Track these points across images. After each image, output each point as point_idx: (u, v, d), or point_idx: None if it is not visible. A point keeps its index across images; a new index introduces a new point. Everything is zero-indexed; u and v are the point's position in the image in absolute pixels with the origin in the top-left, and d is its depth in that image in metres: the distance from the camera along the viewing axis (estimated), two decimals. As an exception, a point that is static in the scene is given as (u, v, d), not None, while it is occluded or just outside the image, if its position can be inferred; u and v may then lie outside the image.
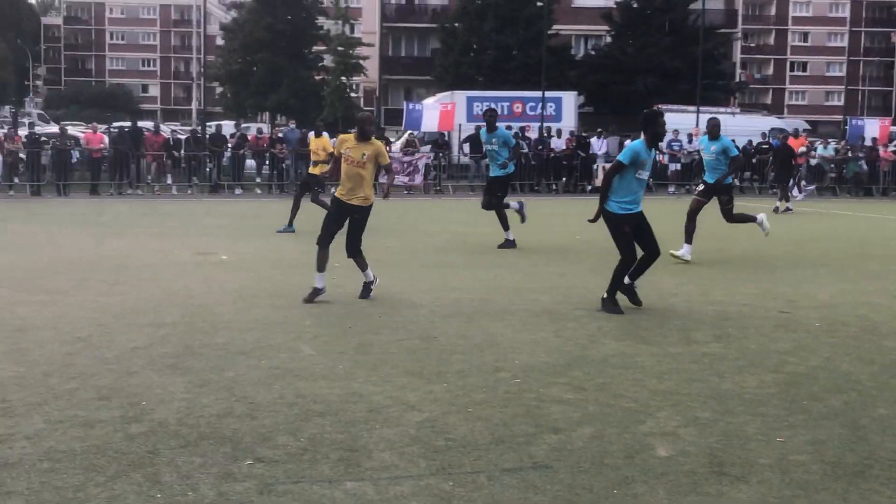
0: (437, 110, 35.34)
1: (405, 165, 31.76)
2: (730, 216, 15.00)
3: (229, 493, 5.02)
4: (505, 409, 6.57)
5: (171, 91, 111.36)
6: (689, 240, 14.48)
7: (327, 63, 56.07)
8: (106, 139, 30.61)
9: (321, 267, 10.53)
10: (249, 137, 32.44)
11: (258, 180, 31.88)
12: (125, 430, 6.02)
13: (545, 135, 36.15)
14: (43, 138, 31.12)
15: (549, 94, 42.14)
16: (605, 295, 10.17)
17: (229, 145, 31.52)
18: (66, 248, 15.37)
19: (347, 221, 10.77)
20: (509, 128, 36.23)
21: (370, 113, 11.89)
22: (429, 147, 34.40)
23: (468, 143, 34.26)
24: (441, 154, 33.94)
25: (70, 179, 29.74)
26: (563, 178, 33.74)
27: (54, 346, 8.31)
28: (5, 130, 31.52)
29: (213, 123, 39.32)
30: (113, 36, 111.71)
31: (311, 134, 19.84)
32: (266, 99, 53.79)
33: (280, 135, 33.26)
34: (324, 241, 10.57)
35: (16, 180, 29.54)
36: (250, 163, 32.22)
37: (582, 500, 4.99)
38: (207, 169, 30.97)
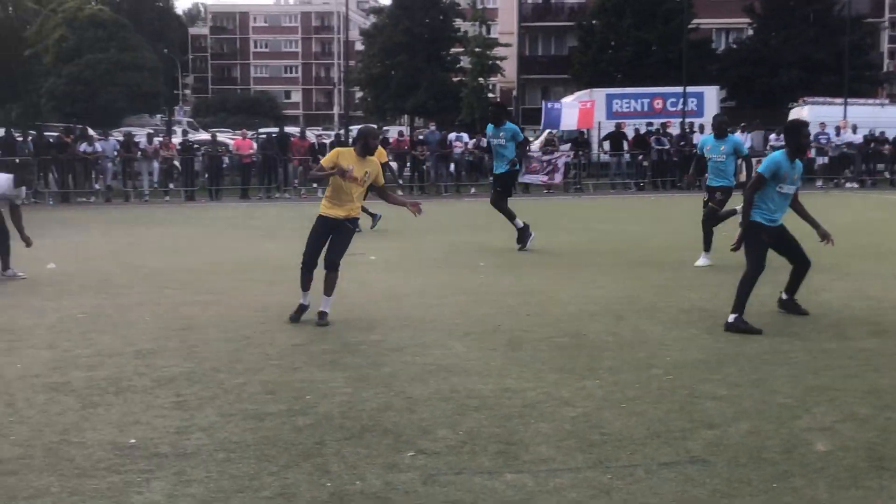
0: (577, 108, 35.30)
1: (544, 164, 31.80)
2: (712, 218, 13.74)
3: (395, 483, 5.23)
4: (659, 404, 6.63)
5: (313, 96, 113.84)
6: (707, 247, 13.61)
7: (465, 65, 56.50)
8: (254, 145, 31.59)
9: (306, 286, 9.79)
10: (391, 140, 32.97)
11: (400, 182, 32.39)
12: (292, 422, 6.31)
13: (687, 131, 35.69)
14: (195, 145, 32.30)
15: (690, 89, 41.58)
16: (731, 318, 9.02)
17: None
18: (223, 251, 15.97)
19: (332, 234, 9.75)
20: (650, 124, 36.24)
21: (374, 126, 10.87)
22: (568, 145, 34.37)
23: (608, 141, 34.15)
24: (581, 152, 33.87)
25: (221, 184, 30.81)
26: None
27: (220, 343, 8.71)
28: (160, 138, 32.81)
29: (355, 127, 40.08)
30: (257, 44, 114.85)
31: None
32: (405, 101, 54.54)
33: (421, 137, 33.72)
34: (309, 264, 9.78)
35: (171, 186, 30.77)
36: (392, 165, 32.76)
37: (741, 494, 5.03)
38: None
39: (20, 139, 30.05)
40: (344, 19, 47.12)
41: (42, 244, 16.98)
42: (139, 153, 30.04)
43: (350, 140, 33.35)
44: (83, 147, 29.10)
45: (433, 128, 34.23)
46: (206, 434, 6.08)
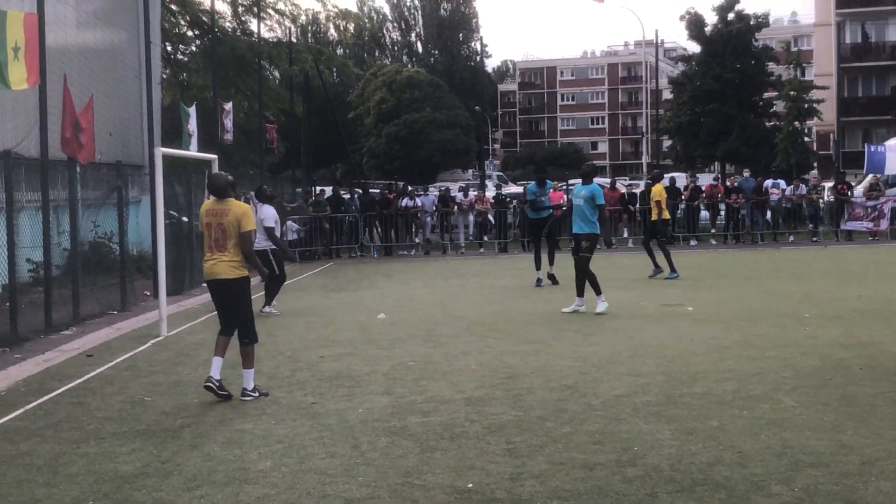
0: (903, 151, 33.30)
1: (869, 210, 30.24)
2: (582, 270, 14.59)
3: (731, 538, 5.17)
4: None
5: (619, 146, 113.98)
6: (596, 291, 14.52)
7: (779, 109, 54.80)
8: (565, 196, 32.02)
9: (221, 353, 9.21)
10: (703, 187, 32.45)
11: (713, 231, 31.80)
12: (622, 473, 6.37)
13: None
14: (507, 198, 33.15)
15: None
16: None
17: (683, 197, 31.74)
18: (538, 301, 16.29)
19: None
20: None
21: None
22: (894, 190, 32.48)
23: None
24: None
25: (533, 236, 31.37)
26: None
27: (544, 392, 8.92)
28: (474, 192, 33.92)
29: (668, 176, 39.69)
30: (563, 97, 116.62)
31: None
32: (716, 148, 53.54)
33: (735, 184, 32.98)
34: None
35: (485, 238, 31.73)
36: (704, 213, 32.24)
37: None
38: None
39: (346, 196, 32.02)
40: (653, 68, 46.89)
41: (371, 295, 18.05)
42: (455, 207, 31.21)
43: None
44: (405, 202, 30.62)
45: (747, 174, 33.38)
46: (538, 481, 6.25)
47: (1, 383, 10.34)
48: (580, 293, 14.65)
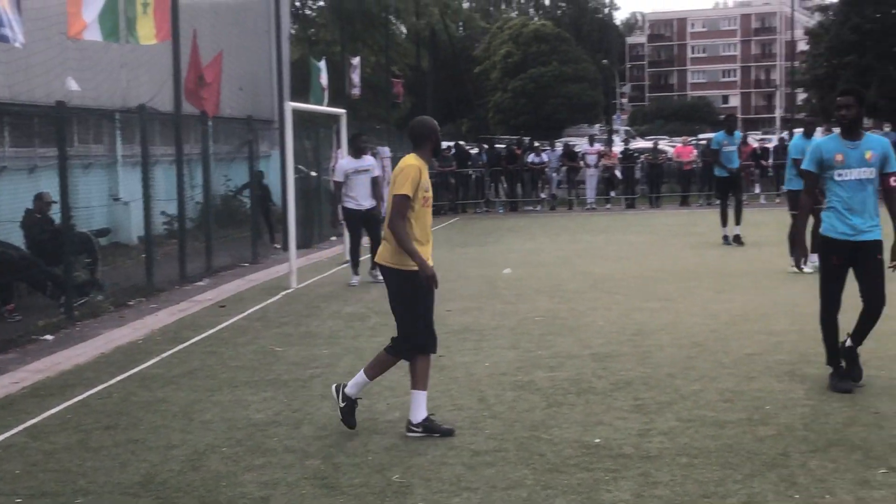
0: None
1: None
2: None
3: (868, 500, 5.04)
4: None
5: (752, 100, 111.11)
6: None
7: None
8: (695, 151, 31.39)
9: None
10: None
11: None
12: (753, 432, 6.24)
13: None
14: (636, 154, 32.66)
15: None
16: None
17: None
18: (666, 258, 16.05)
19: None
20: None
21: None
22: None
23: None
24: None
25: (661, 192, 30.91)
26: None
27: (673, 349, 8.79)
28: (598, 146, 33.46)
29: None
30: (694, 49, 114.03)
31: None
32: (855, 102, 51.81)
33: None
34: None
35: (612, 194, 31.35)
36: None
37: None
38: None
39: (474, 152, 32.00)
40: (788, 19, 45.43)
41: (496, 250, 18.05)
42: (581, 163, 30.84)
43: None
44: (531, 158, 30.44)
45: (888, 129, 32.18)
46: (667, 438, 6.17)
47: (138, 332, 10.71)
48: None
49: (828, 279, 7.30)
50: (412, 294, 6.36)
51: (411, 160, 6.41)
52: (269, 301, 12.67)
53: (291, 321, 11.07)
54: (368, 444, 6.25)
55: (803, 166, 7.44)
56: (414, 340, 6.39)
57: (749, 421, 6.48)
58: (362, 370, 6.63)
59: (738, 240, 17.33)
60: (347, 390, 6.56)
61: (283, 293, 13.29)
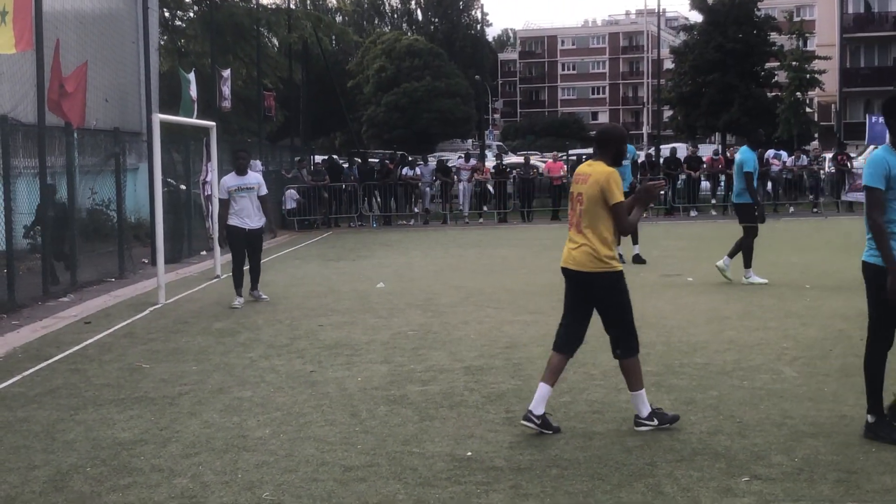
0: (905, 122, 33.16)
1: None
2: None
3: (731, 508, 5.16)
4: None
5: (620, 117, 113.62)
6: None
7: (781, 79, 54.58)
8: (565, 167, 31.90)
9: None
10: (705, 159, 32.32)
11: (713, 202, 31.71)
12: (621, 442, 6.36)
13: None
14: (508, 169, 33.03)
15: None
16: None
17: (682, 169, 31.62)
18: (538, 272, 16.23)
19: None
20: None
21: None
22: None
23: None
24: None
25: (532, 206, 31.33)
26: None
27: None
28: (473, 163, 33.75)
29: (668, 147, 39.54)
30: (564, 66, 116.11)
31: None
32: (717, 119, 53.36)
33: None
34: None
35: (485, 208, 31.63)
36: (705, 184, 32.16)
37: None
38: (662, 193, 31.25)
39: (346, 165, 31.91)
40: (654, 38, 46.64)
41: (370, 264, 18.00)
42: (455, 177, 31.06)
43: (660, 160, 33.05)
44: (404, 171, 30.51)
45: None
46: (537, 450, 6.23)
47: (-1, 350, 10.32)
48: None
49: (885, 314, 6.23)
50: (626, 293, 6.89)
51: (603, 167, 6.67)
52: (136, 317, 12.36)
53: (159, 337, 10.83)
54: (238, 462, 6.14)
55: (869, 183, 6.10)
56: (636, 339, 6.76)
57: (617, 432, 6.59)
58: (543, 383, 6.68)
59: (637, 259, 16.61)
60: (536, 410, 6.55)
61: (151, 309, 12.99)
